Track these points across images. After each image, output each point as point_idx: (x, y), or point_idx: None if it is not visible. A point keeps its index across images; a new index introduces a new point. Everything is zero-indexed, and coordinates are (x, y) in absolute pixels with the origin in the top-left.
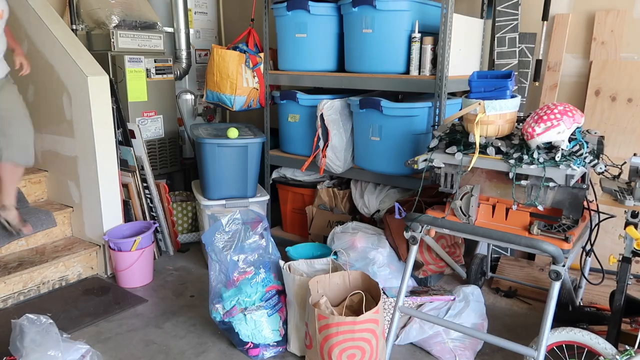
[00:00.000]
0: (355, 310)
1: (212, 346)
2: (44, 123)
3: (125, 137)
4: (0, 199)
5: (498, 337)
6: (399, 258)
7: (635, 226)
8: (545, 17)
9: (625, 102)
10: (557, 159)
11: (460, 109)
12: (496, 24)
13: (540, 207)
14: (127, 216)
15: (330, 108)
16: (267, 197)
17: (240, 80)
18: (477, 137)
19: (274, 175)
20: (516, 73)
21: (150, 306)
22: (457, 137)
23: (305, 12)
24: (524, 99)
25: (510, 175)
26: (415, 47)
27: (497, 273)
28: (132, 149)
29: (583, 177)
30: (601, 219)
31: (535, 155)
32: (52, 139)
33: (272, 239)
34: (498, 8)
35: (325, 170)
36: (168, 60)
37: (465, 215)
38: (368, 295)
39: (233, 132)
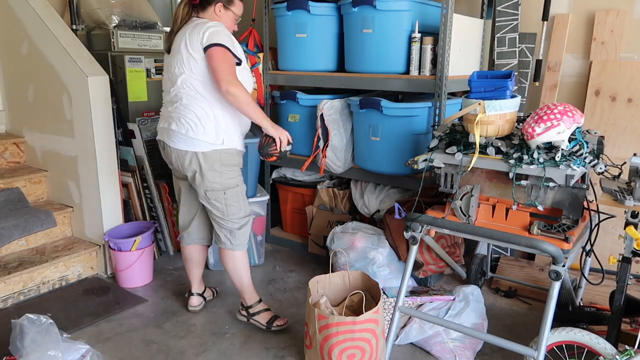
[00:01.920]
0: (356, 310)
1: (212, 346)
2: (44, 123)
3: (125, 137)
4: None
5: (498, 337)
6: (399, 258)
7: (635, 226)
8: (545, 17)
9: (625, 102)
10: (557, 159)
11: (460, 109)
12: (496, 24)
13: (540, 207)
14: (127, 216)
15: (330, 108)
16: (267, 197)
17: None
18: (477, 137)
19: (274, 175)
20: (516, 73)
21: (150, 306)
22: (457, 137)
23: (305, 12)
24: (524, 99)
25: (510, 175)
26: (415, 47)
27: (497, 273)
28: (132, 149)
29: (583, 177)
30: (601, 219)
31: (535, 155)
32: (52, 139)
33: None
34: (498, 8)
35: (325, 170)
36: None
37: (465, 215)
38: (368, 295)
39: None
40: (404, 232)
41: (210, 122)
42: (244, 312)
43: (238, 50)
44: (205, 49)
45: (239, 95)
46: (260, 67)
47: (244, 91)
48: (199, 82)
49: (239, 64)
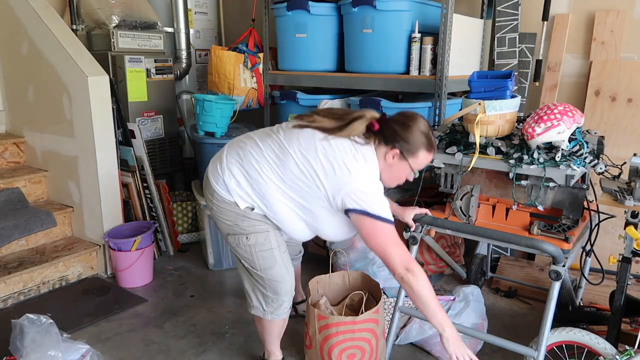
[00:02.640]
0: (356, 310)
1: (212, 346)
2: (44, 123)
3: (125, 137)
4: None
5: (498, 337)
6: None
7: (635, 226)
8: (545, 17)
9: (625, 102)
10: (557, 159)
11: (460, 109)
12: (496, 24)
13: (540, 207)
14: (127, 216)
15: None
16: None
17: (237, 81)
18: (477, 137)
19: None
20: (516, 73)
21: (150, 306)
22: (457, 137)
23: (305, 12)
24: (524, 99)
25: (511, 175)
26: (415, 47)
27: (497, 273)
28: (132, 149)
29: (583, 177)
30: (601, 219)
31: (535, 155)
32: (52, 139)
33: None
34: (498, 8)
35: None
36: (168, 60)
37: (465, 216)
38: (369, 295)
39: None
40: (404, 232)
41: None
42: None
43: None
44: (348, 211)
45: (415, 289)
46: (261, 67)
47: (423, 285)
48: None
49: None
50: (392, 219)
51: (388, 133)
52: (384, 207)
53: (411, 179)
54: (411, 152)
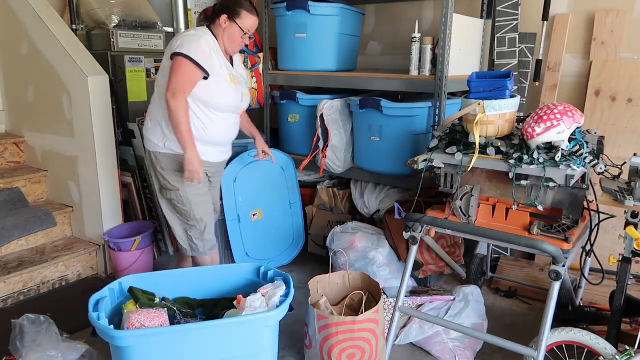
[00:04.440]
0: (356, 310)
1: None
2: (44, 123)
3: (125, 137)
4: None
5: (498, 337)
6: (399, 258)
7: (635, 226)
8: (545, 17)
9: (625, 102)
10: (557, 159)
11: (460, 109)
12: (496, 24)
13: (540, 207)
14: (127, 216)
15: (330, 108)
16: None
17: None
18: (477, 137)
19: None
20: (516, 73)
21: None
22: (457, 137)
23: (305, 12)
24: (524, 99)
25: (510, 175)
26: (415, 47)
27: (497, 273)
28: (132, 149)
29: (583, 177)
30: (601, 219)
31: (535, 155)
32: (52, 139)
33: None
34: (498, 8)
35: (325, 170)
36: None
37: (465, 216)
38: (369, 295)
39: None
40: (404, 233)
41: (157, 125)
42: None
43: (211, 62)
44: (172, 56)
45: (174, 111)
46: (260, 67)
47: (181, 110)
48: (162, 87)
49: (206, 77)
50: (197, 60)
51: (217, 8)
52: (194, 51)
53: (247, 42)
54: (236, 13)
